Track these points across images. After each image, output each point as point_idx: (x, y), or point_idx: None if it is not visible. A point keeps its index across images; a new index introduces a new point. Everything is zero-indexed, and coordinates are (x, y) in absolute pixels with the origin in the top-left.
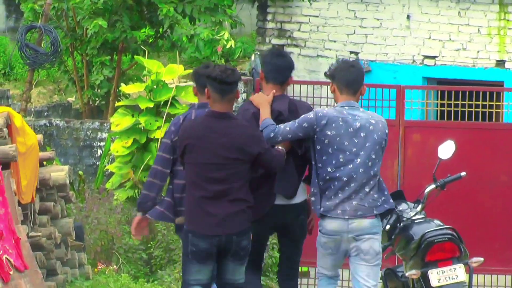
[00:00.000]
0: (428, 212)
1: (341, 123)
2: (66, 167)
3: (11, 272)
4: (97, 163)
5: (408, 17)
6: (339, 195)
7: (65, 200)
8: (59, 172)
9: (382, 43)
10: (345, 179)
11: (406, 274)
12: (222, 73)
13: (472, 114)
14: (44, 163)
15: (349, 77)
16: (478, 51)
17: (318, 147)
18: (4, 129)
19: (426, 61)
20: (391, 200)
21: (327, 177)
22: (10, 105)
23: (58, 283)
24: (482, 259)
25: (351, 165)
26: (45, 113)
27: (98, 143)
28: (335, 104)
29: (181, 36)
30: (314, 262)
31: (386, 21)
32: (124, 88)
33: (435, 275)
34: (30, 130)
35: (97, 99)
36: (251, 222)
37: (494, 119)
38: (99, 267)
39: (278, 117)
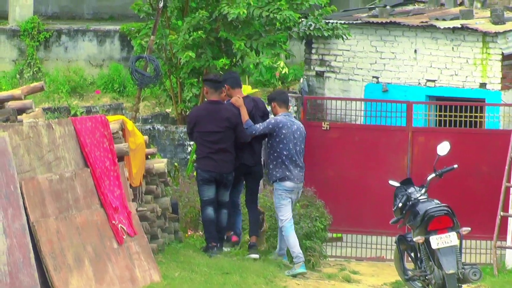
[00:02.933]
0: (430, 194)
1: (288, 125)
2: (165, 160)
3: (124, 237)
4: (188, 157)
5: (415, 51)
6: (292, 167)
7: (164, 184)
8: (160, 164)
9: (396, 70)
10: (294, 158)
11: (414, 239)
12: (215, 77)
13: (462, 122)
14: (149, 156)
15: (285, 98)
16: (467, 76)
17: (277, 139)
18: (120, 131)
19: (429, 83)
20: None
21: (283, 157)
22: (124, 114)
23: (159, 245)
24: (469, 228)
25: (295, 151)
26: (150, 120)
27: (188, 143)
28: (279, 114)
29: (249, 64)
30: (346, 230)
31: (399, 54)
32: None
33: (434, 240)
34: (138, 132)
35: (187, 110)
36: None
37: (478, 126)
38: (189, 233)
39: (250, 112)
